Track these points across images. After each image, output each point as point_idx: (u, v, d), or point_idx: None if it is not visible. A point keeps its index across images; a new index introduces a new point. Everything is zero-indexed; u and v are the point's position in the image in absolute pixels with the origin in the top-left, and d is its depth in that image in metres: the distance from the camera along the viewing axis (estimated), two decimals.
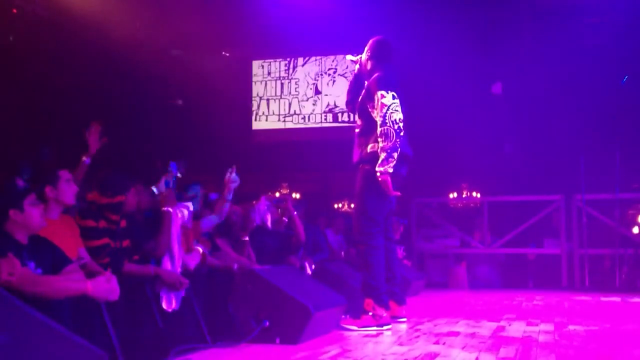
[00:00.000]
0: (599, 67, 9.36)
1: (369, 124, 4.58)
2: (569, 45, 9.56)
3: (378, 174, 4.42)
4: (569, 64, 9.62)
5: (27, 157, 9.17)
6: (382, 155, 4.40)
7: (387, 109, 4.39)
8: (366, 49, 4.86)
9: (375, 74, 4.62)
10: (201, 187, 5.40)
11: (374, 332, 4.43)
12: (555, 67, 9.78)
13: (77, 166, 4.46)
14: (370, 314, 4.55)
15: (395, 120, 4.38)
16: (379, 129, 4.43)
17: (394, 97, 4.43)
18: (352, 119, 11.51)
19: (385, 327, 4.52)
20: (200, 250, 4.74)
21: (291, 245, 6.22)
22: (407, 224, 9.00)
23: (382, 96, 4.43)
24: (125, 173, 4.34)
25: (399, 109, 4.42)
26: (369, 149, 4.56)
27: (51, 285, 2.94)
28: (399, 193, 4.57)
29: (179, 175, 4.82)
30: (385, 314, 4.57)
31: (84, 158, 4.52)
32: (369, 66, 4.80)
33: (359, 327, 4.49)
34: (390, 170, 4.40)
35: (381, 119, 4.41)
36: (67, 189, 3.74)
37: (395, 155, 4.40)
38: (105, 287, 3.02)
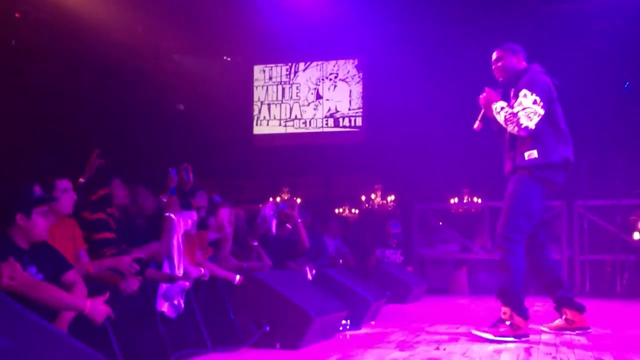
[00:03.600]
0: (600, 73, 9.35)
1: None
2: (571, 51, 9.55)
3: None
4: (570, 70, 9.60)
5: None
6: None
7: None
8: (497, 62, 4.81)
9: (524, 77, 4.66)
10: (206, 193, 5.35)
11: (511, 343, 4.15)
12: (557, 73, 9.76)
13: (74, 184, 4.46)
14: (508, 322, 4.30)
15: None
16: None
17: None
18: (352, 124, 11.62)
19: (523, 339, 4.22)
20: (202, 271, 4.66)
21: (295, 251, 6.16)
22: (399, 229, 8.92)
23: (525, 95, 4.50)
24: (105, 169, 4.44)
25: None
26: (526, 156, 4.50)
27: (52, 293, 2.92)
28: None
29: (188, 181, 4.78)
30: (523, 325, 4.28)
31: (81, 179, 4.51)
32: (512, 65, 4.79)
33: (494, 336, 4.24)
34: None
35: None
36: (66, 198, 3.70)
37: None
38: (102, 308, 3.00)
